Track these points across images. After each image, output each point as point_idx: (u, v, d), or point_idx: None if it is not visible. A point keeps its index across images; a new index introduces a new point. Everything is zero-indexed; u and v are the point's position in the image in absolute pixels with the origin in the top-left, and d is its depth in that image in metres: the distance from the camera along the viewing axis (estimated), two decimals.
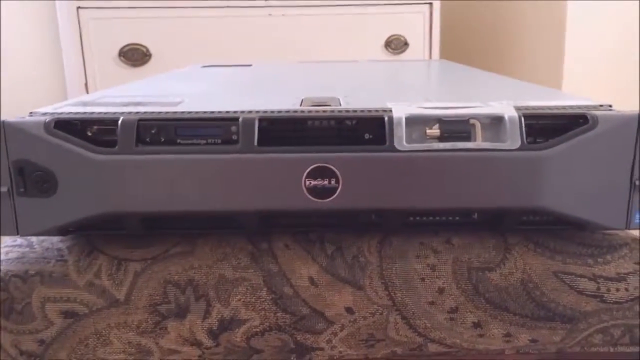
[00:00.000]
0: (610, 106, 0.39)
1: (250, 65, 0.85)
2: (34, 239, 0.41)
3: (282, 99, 0.45)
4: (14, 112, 0.37)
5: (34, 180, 0.36)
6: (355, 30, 1.35)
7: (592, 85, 1.24)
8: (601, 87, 1.24)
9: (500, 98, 0.41)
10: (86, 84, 1.26)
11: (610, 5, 1.22)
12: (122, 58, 1.26)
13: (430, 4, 1.36)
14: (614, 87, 1.24)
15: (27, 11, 1.38)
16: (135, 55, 1.26)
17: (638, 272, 0.39)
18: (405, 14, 1.37)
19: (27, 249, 0.40)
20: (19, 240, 0.41)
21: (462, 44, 1.67)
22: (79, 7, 1.22)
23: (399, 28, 1.37)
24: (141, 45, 1.26)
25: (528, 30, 1.42)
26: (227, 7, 1.27)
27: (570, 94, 0.45)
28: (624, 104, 0.39)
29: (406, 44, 1.38)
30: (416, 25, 1.38)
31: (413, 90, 0.54)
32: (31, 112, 0.39)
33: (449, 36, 1.55)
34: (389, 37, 1.37)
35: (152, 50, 1.27)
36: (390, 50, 1.37)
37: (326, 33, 1.34)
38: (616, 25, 1.23)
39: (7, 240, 0.42)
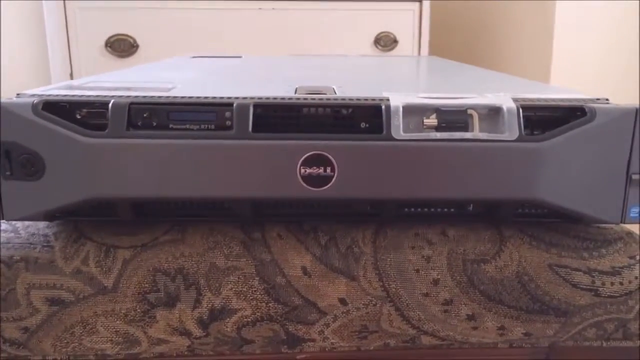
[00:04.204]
0: (607, 100, 0.38)
1: (240, 57, 0.84)
2: (19, 224, 0.40)
3: (276, 87, 0.44)
4: None
5: (21, 163, 0.35)
6: (345, 27, 1.35)
7: (580, 84, 1.25)
8: (589, 86, 1.24)
9: (494, 91, 0.41)
10: (71, 74, 1.24)
11: (600, 5, 1.22)
12: (108, 48, 1.24)
13: (420, 1, 1.36)
14: (601, 86, 1.24)
15: None
16: (122, 46, 1.24)
17: (632, 266, 0.39)
18: (395, 11, 1.37)
19: (12, 234, 0.39)
20: (3, 225, 0.40)
21: (450, 42, 1.67)
22: None
23: (389, 25, 1.37)
24: (128, 36, 1.24)
25: (517, 29, 1.42)
26: None
27: (564, 88, 0.45)
28: (613, 102, 0.39)
29: (395, 41, 1.37)
30: (406, 22, 1.38)
31: (407, 83, 0.54)
32: (18, 94, 0.37)
33: (437, 34, 1.55)
34: (378, 34, 1.36)
35: (139, 41, 1.25)
36: (379, 47, 1.37)
37: (315, 28, 1.33)
38: (605, 24, 1.23)
39: None
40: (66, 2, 1.21)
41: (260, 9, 1.29)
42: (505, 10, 1.47)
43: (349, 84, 0.47)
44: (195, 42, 1.27)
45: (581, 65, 1.25)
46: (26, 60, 1.39)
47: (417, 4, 1.37)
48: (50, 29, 1.22)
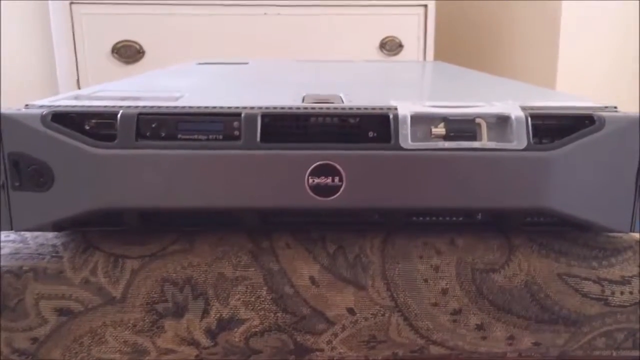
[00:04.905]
0: (615, 108, 0.38)
1: (246, 63, 0.84)
2: (27, 234, 0.40)
3: (283, 95, 0.44)
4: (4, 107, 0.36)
5: (30, 174, 0.35)
6: (350, 31, 1.35)
7: (586, 89, 1.24)
8: (594, 90, 1.24)
9: (502, 98, 0.41)
10: (78, 81, 1.25)
11: (605, 8, 1.22)
12: (115, 55, 1.24)
13: (425, 6, 1.36)
14: (607, 90, 1.24)
15: (19, 5, 1.36)
16: (128, 52, 1.25)
17: None
18: (400, 15, 1.37)
19: (21, 245, 0.39)
20: (12, 235, 0.40)
21: (455, 46, 1.67)
22: (72, 3, 1.21)
23: (394, 29, 1.37)
24: (134, 42, 1.25)
25: (522, 33, 1.42)
26: (222, 5, 1.26)
27: (572, 95, 0.45)
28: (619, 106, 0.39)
29: (401, 45, 1.37)
30: (411, 27, 1.38)
31: (414, 90, 0.54)
32: (27, 105, 0.38)
33: (442, 38, 1.55)
34: (383, 39, 1.37)
35: (145, 47, 1.26)
36: (385, 51, 1.37)
37: (321, 33, 1.33)
38: (611, 27, 1.23)
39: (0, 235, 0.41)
40: (72, 8, 1.21)
41: (265, 14, 1.29)
42: (510, 14, 1.47)
43: (356, 91, 0.47)
44: (201, 48, 1.27)
45: (587, 70, 1.25)
46: (34, 67, 1.40)
47: (422, 8, 1.37)
48: (57, 35, 1.23)
